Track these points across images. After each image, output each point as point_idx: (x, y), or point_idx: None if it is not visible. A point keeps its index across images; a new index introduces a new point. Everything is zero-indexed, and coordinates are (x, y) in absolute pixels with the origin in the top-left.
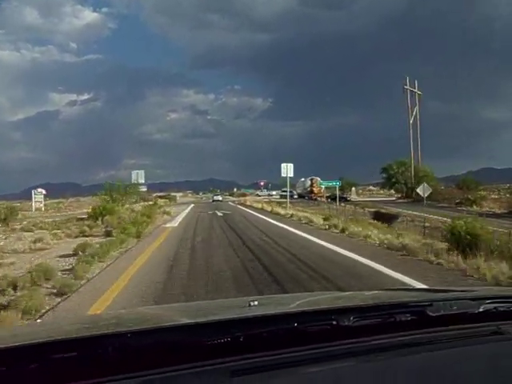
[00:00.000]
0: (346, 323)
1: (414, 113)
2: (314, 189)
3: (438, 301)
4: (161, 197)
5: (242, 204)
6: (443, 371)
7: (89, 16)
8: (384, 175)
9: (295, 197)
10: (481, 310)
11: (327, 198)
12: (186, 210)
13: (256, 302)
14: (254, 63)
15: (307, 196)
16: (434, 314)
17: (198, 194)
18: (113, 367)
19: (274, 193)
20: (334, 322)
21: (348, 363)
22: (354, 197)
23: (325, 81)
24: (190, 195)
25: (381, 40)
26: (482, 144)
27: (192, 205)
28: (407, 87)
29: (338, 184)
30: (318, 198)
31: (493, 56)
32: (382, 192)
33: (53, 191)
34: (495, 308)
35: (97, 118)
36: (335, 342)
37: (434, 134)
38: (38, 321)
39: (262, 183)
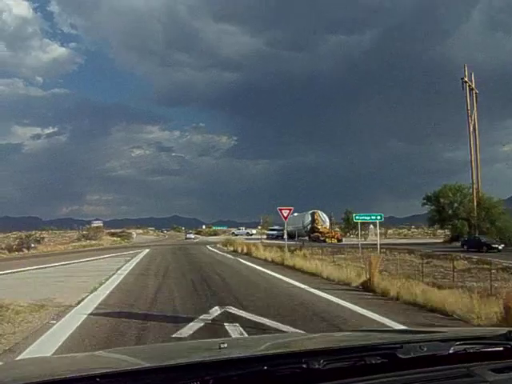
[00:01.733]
0: (317, 366)
1: (473, 116)
2: (319, 226)
3: (408, 343)
4: (113, 234)
5: (233, 252)
6: None
7: (56, 50)
8: (431, 206)
9: (284, 237)
10: (451, 351)
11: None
12: (122, 271)
13: (226, 344)
14: (219, 101)
15: (307, 236)
16: (404, 357)
17: (161, 230)
18: None
19: (254, 231)
20: (305, 366)
21: None
22: (372, 237)
23: (288, 120)
24: (151, 232)
25: (343, 81)
26: None
27: (146, 250)
28: (465, 79)
29: (378, 219)
30: (327, 240)
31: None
32: (412, 232)
33: (11, 225)
34: (465, 350)
35: (61, 152)
36: None
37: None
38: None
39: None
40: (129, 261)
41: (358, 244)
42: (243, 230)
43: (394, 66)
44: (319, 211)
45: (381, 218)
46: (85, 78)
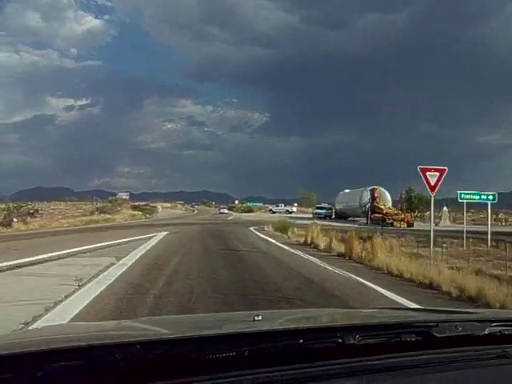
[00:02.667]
0: (352, 341)
1: None
2: (382, 206)
3: (443, 322)
4: (135, 207)
5: (304, 245)
6: None
7: (90, 22)
8: None
9: (333, 217)
10: (486, 332)
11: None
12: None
13: (260, 317)
14: (252, 77)
15: (365, 217)
16: (439, 335)
17: (191, 205)
18: (120, 377)
19: (294, 209)
20: (340, 340)
21: (352, 382)
22: (445, 223)
23: (321, 98)
24: (179, 206)
25: (379, 61)
26: None
27: (164, 233)
28: None
29: (490, 199)
30: (395, 223)
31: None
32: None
33: (43, 195)
34: (500, 331)
35: (93, 124)
36: (340, 360)
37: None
38: (39, 327)
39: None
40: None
41: (432, 230)
42: (282, 206)
43: (431, 47)
44: (380, 188)
45: (493, 199)
46: (118, 51)
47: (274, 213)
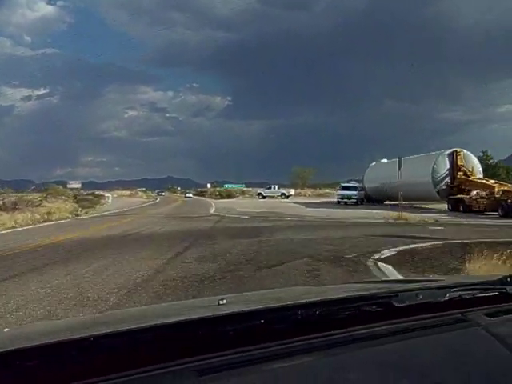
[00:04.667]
0: (312, 317)
1: None
2: (484, 180)
3: (404, 291)
4: (75, 198)
5: None
6: (409, 361)
7: (44, 8)
8: None
9: (363, 199)
10: (446, 298)
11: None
12: None
13: (225, 301)
14: (213, 62)
15: (446, 197)
16: (399, 305)
17: (157, 193)
18: (77, 373)
19: (292, 191)
20: (300, 317)
21: (315, 357)
22: None
23: (283, 80)
24: (140, 193)
25: (339, 40)
26: None
27: None
28: None
29: None
30: None
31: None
32: None
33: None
34: (460, 296)
35: (53, 113)
36: (302, 336)
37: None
38: (5, 329)
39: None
40: None
41: None
42: (275, 188)
43: (390, 25)
44: (464, 150)
45: None
46: (75, 38)
47: (264, 197)
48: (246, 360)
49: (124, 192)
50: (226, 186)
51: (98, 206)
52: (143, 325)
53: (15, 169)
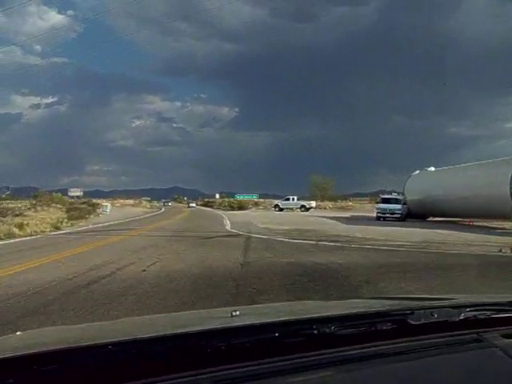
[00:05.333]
0: (327, 332)
1: None
2: None
3: (418, 309)
4: (70, 207)
5: None
6: (424, 379)
7: (54, 18)
8: None
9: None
10: (461, 317)
11: None
12: None
13: (238, 312)
14: (221, 72)
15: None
16: (414, 323)
17: (163, 203)
18: (92, 381)
19: (313, 204)
20: (316, 331)
21: (329, 373)
22: None
23: (291, 92)
24: (144, 203)
25: (347, 55)
26: None
27: None
28: None
29: None
30: None
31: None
32: None
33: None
34: (475, 316)
35: (61, 122)
36: (316, 351)
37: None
38: (18, 333)
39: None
40: None
41: None
42: (293, 200)
43: (399, 39)
44: None
45: None
46: (84, 47)
47: (281, 210)
48: (260, 373)
49: (127, 201)
50: (238, 196)
51: (91, 217)
52: (157, 334)
53: (22, 176)
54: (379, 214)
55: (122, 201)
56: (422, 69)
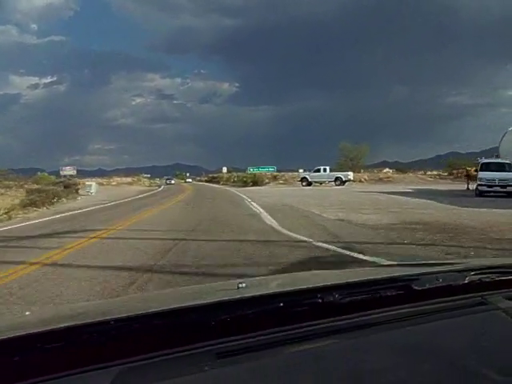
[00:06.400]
0: (332, 300)
1: None
2: None
3: (423, 275)
4: (31, 190)
5: None
6: (429, 344)
7: None
8: None
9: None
10: (466, 281)
11: None
12: None
13: (244, 284)
14: (220, 48)
15: None
16: (419, 288)
17: (166, 180)
18: (98, 355)
19: (350, 175)
20: (320, 300)
21: (333, 340)
22: None
23: (291, 65)
24: (144, 180)
25: (348, 25)
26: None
27: None
28: None
29: None
30: None
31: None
32: None
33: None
34: (480, 279)
35: (60, 102)
36: (321, 320)
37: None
38: (27, 313)
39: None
40: None
41: None
42: (325, 171)
43: (401, 9)
44: None
45: None
46: (82, 25)
47: (309, 184)
48: (266, 343)
49: (125, 179)
50: (251, 169)
51: (63, 201)
52: (163, 308)
53: (25, 158)
54: (483, 188)
55: (118, 179)
56: (427, 38)
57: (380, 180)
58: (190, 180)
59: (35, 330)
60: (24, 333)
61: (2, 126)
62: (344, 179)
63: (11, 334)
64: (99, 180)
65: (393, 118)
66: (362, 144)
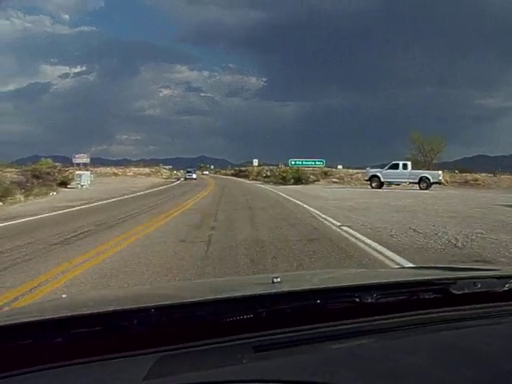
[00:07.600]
0: (369, 300)
1: None
2: None
3: (461, 279)
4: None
5: None
6: (465, 350)
7: None
8: None
9: None
10: (505, 288)
11: None
12: None
13: (279, 279)
14: (249, 42)
15: None
16: (457, 292)
17: (187, 172)
18: (137, 341)
19: (440, 174)
20: (357, 299)
21: (370, 340)
22: None
23: (319, 61)
24: (163, 171)
25: (380, 21)
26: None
27: None
28: None
29: None
30: None
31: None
32: None
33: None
34: None
35: (89, 91)
36: (357, 319)
37: None
38: (63, 295)
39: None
40: None
41: None
42: (406, 168)
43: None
44: None
45: None
46: (112, 16)
47: (380, 185)
48: (301, 339)
49: (143, 170)
50: (293, 162)
51: (29, 199)
52: (199, 299)
53: (52, 145)
54: None
55: (135, 169)
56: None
57: (466, 183)
58: (207, 172)
59: (77, 312)
60: (69, 314)
61: (33, 114)
62: (432, 180)
63: (55, 315)
64: (114, 170)
65: (421, 118)
66: (437, 136)
